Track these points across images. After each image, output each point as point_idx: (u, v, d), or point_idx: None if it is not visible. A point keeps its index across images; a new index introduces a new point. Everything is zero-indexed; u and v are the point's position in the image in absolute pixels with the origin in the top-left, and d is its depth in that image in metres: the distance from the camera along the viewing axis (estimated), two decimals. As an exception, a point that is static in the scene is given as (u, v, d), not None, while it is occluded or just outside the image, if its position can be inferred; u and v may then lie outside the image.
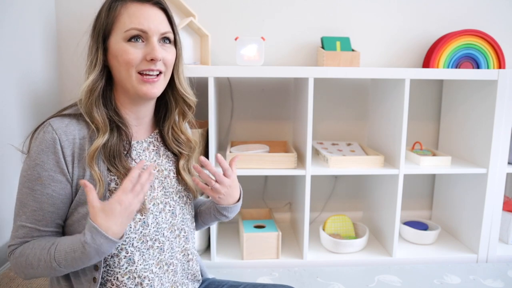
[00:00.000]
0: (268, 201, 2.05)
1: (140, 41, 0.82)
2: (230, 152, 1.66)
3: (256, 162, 1.62)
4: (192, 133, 1.01)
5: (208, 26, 1.79)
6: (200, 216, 1.06)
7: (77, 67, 1.80)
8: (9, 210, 1.42)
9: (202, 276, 1.05)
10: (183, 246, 0.95)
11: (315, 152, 1.86)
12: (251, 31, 1.86)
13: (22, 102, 1.47)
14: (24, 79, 1.49)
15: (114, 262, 0.84)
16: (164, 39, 0.85)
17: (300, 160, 1.70)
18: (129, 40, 0.82)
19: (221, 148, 1.90)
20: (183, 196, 0.95)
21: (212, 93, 1.52)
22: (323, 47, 1.73)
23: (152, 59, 0.82)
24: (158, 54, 0.82)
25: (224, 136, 1.96)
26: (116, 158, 0.83)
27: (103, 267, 0.84)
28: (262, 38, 1.60)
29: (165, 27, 0.85)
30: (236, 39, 1.59)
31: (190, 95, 0.94)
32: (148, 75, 0.83)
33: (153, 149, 0.93)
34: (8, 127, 1.40)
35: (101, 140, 0.81)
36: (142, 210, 0.85)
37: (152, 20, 0.82)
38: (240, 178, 2.00)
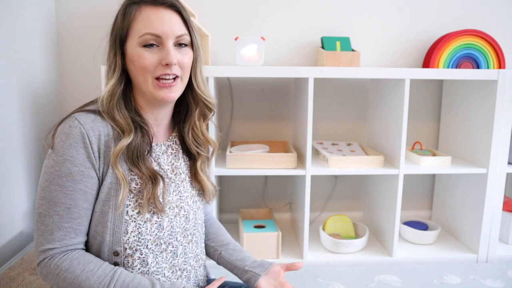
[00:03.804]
0: (268, 201, 2.05)
1: (155, 46, 0.81)
2: (230, 152, 1.66)
3: (256, 162, 1.62)
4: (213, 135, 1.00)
5: (208, 26, 1.79)
6: (216, 257, 1.03)
7: (77, 67, 1.80)
8: (8, 211, 1.42)
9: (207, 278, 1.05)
10: (195, 251, 0.95)
11: (315, 152, 1.86)
12: (251, 31, 1.86)
13: (22, 102, 1.47)
14: (24, 79, 1.49)
15: (128, 262, 0.83)
16: (180, 43, 0.84)
17: (300, 160, 1.70)
18: (145, 45, 0.81)
19: (221, 148, 1.90)
20: (196, 201, 0.95)
21: (212, 93, 1.52)
22: (323, 47, 1.73)
23: (167, 64, 0.80)
24: (173, 58, 0.80)
25: (224, 136, 1.96)
26: (140, 159, 0.83)
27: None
28: (262, 38, 1.60)
29: (180, 30, 0.83)
30: (236, 39, 1.59)
31: (209, 98, 0.92)
32: (165, 79, 0.82)
33: (172, 152, 0.93)
34: (8, 127, 1.40)
35: (126, 140, 0.81)
36: (160, 212, 0.85)
37: (166, 23, 0.81)
38: (240, 178, 2.02)
